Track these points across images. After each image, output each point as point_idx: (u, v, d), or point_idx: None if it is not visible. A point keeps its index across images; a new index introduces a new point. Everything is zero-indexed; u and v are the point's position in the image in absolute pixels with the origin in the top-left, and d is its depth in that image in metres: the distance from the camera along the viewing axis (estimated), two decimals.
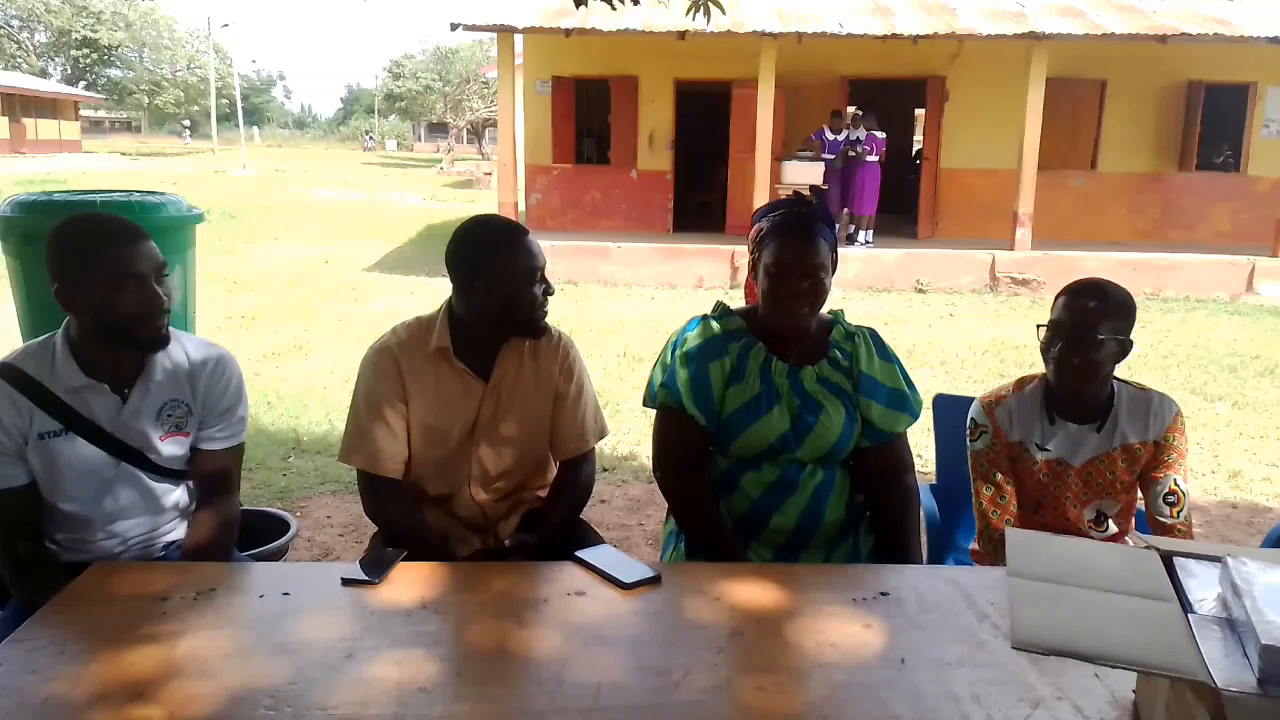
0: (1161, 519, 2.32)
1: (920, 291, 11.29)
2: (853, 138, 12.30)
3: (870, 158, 12.21)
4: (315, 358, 7.17)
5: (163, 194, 3.75)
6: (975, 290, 11.41)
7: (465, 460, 2.16)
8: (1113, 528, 2.40)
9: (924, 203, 13.42)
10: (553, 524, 2.16)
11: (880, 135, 12.27)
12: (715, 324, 2.18)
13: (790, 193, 2.28)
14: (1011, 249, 11.59)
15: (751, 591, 1.66)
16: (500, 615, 1.55)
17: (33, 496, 1.92)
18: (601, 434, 2.31)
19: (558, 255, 11.62)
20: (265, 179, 27.09)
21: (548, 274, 2.13)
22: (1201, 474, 5.10)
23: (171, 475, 2.05)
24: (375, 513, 2.15)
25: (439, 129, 57.01)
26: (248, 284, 10.49)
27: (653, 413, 2.23)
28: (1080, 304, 2.21)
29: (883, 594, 1.67)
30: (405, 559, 1.72)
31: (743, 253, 11.50)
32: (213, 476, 2.08)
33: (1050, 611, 1.16)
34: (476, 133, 50.34)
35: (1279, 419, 6.23)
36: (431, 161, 42.37)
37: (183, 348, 2.05)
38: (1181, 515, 2.31)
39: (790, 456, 2.12)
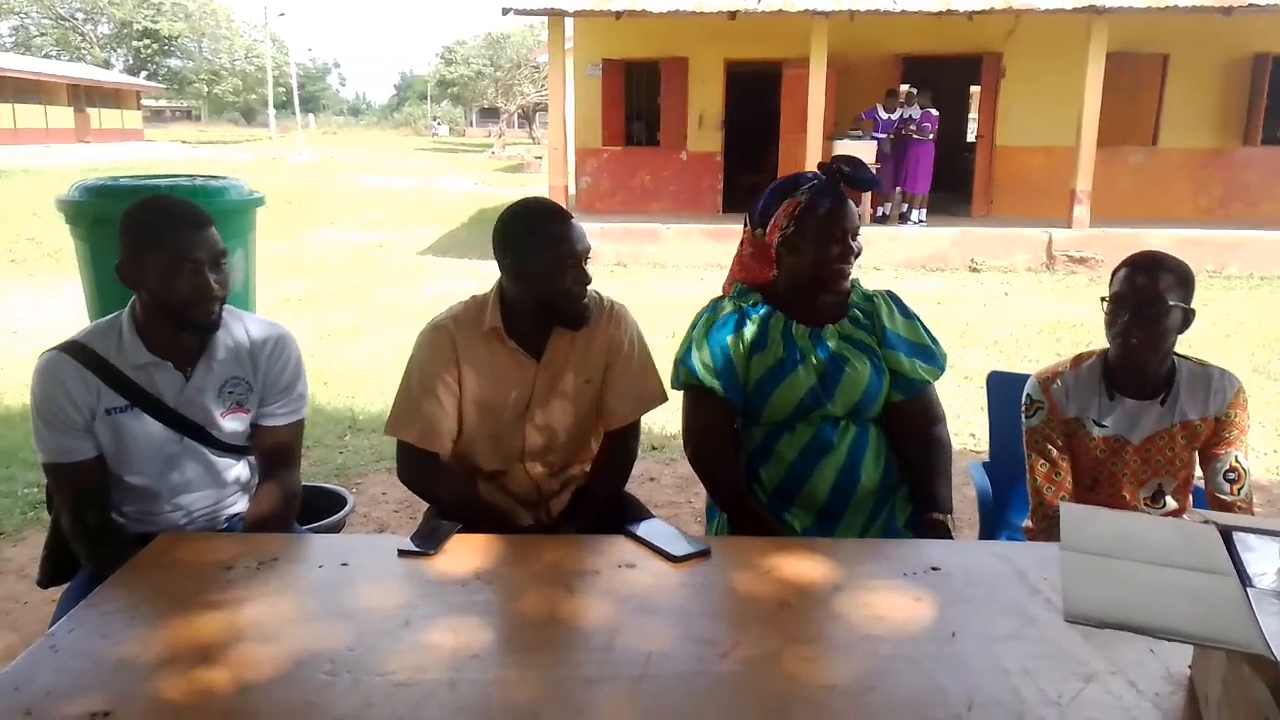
0: (1221, 496, 2.28)
1: (974, 270, 11.12)
2: (906, 116, 12.13)
3: (925, 136, 12.02)
4: (370, 339, 7.28)
5: (225, 178, 3.82)
6: (1031, 269, 11.21)
7: (518, 436, 2.19)
8: (1171, 504, 2.36)
9: (979, 181, 13.19)
10: (599, 500, 2.20)
11: (934, 113, 12.08)
12: (730, 301, 2.20)
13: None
14: (1069, 227, 11.36)
15: (800, 565, 1.66)
16: (552, 585, 1.58)
17: (100, 469, 1.99)
18: (656, 400, 2.28)
19: (607, 237, 11.65)
20: (321, 165, 27.47)
21: (591, 259, 2.13)
22: (1264, 453, 4.98)
23: (233, 450, 2.10)
24: (423, 488, 2.19)
25: (490, 114, 57.28)
26: (304, 268, 10.66)
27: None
28: (1141, 275, 2.19)
29: (933, 569, 1.67)
30: (460, 531, 1.75)
31: None
32: (274, 451, 2.13)
33: (1104, 585, 1.15)
34: (527, 117, 50.52)
35: None
36: (483, 146, 42.61)
37: (244, 327, 2.09)
38: (1242, 493, 2.27)
39: (823, 412, 2.13)
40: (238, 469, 2.15)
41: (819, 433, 2.14)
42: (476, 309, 2.19)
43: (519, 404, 2.17)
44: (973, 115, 16.83)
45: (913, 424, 2.22)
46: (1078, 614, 1.10)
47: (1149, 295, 2.16)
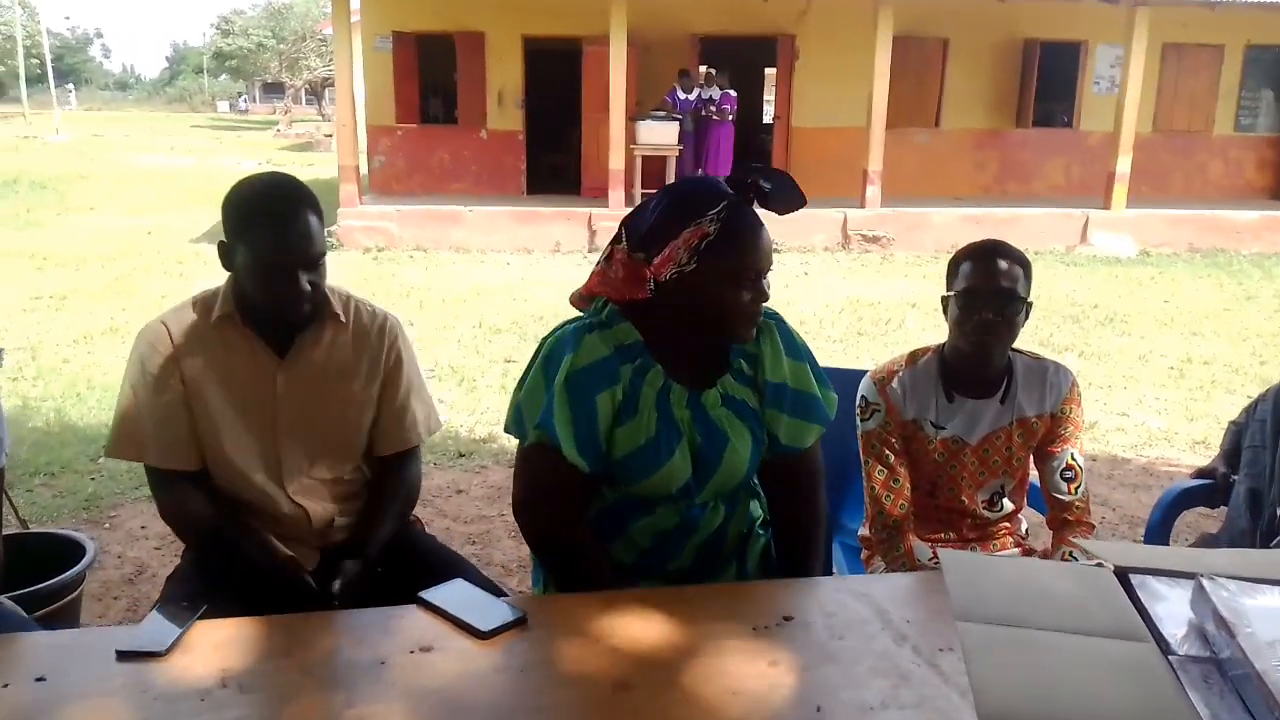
0: (1059, 495, 2.19)
1: (775, 251, 11.22)
2: (705, 97, 12.13)
3: (724, 117, 12.06)
4: (133, 341, 6.50)
5: None
6: (828, 249, 11.47)
7: (270, 450, 1.86)
8: (1007, 505, 2.26)
9: (776, 162, 13.38)
10: (377, 539, 1.88)
11: (733, 94, 12.14)
12: (599, 337, 1.67)
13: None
14: (862, 206, 11.70)
15: (638, 628, 1.39)
16: (326, 686, 1.24)
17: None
18: (431, 429, 2.03)
19: (405, 220, 11.07)
20: (82, 144, 25.01)
21: (322, 261, 1.81)
22: None
23: None
24: (174, 516, 1.84)
25: (275, 89, 54.01)
26: (60, 260, 9.53)
27: (505, 386, 1.92)
28: (991, 265, 2.05)
29: (786, 618, 1.44)
30: (202, 616, 1.37)
31: (602, 215, 11.23)
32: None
33: (1014, 669, 0.93)
34: (316, 93, 47.92)
35: (1123, 367, 6.42)
36: (268, 124, 40.08)
37: None
38: (1079, 491, 2.18)
39: (690, 501, 1.73)
40: None
41: (684, 517, 1.74)
42: (204, 299, 1.88)
43: (264, 407, 1.84)
44: (769, 97, 17.14)
45: (789, 484, 1.84)
46: (993, 717, 0.88)
47: (1005, 288, 2.03)
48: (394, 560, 1.92)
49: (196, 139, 29.92)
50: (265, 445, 1.86)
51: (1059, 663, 0.95)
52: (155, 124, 39.39)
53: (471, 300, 8.29)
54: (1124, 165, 11.76)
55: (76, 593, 2.48)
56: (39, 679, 1.24)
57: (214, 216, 13.17)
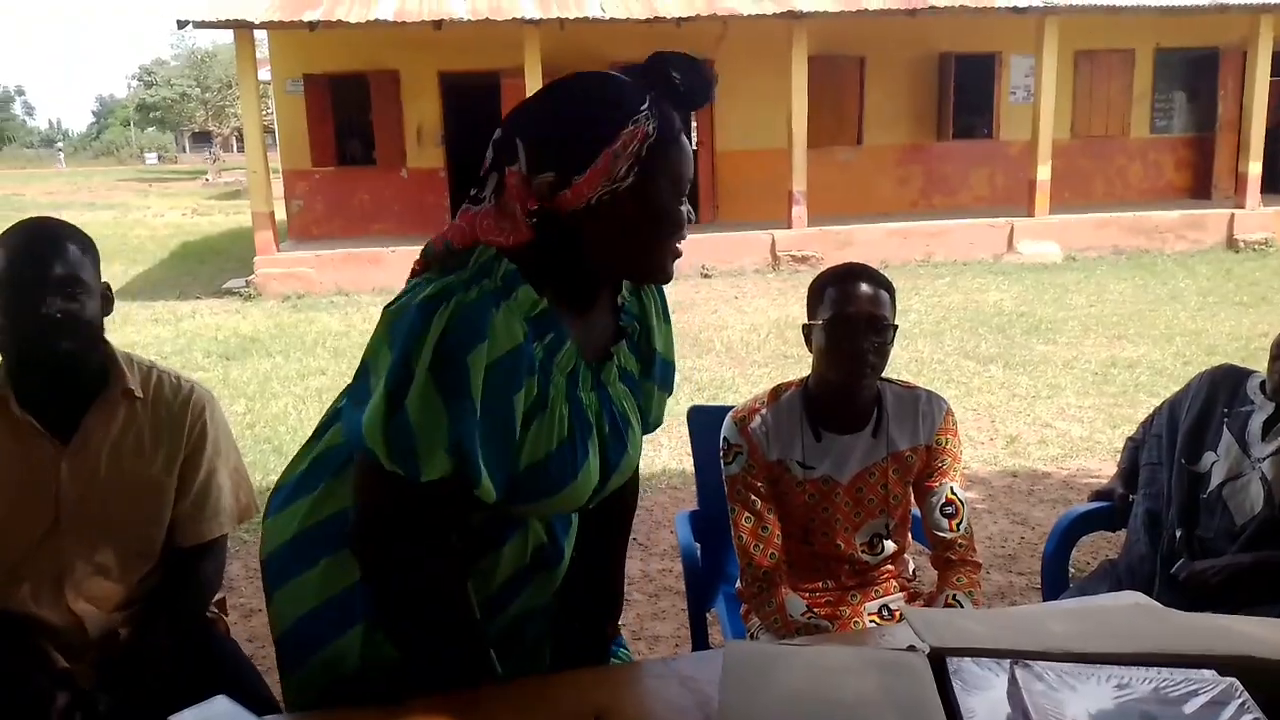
0: (940, 533, 2.03)
1: (706, 276, 11.16)
2: None
3: None
4: None
5: None
6: (759, 270, 11.40)
7: (49, 554, 1.62)
8: (889, 547, 2.09)
9: (703, 186, 13.34)
10: (155, 648, 1.64)
11: None
12: (510, 313, 1.21)
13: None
14: (789, 227, 11.66)
15: None
16: None
17: None
18: (244, 515, 1.80)
19: (324, 265, 10.81)
20: None
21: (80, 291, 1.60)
22: (980, 442, 5.06)
23: None
24: None
25: (203, 138, 53.30)
26: None
27: None
28: (857, 290, 1.90)
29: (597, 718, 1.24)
30: None
31: None
32: None
33: None
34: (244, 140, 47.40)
35: (1048, 377, 6.36)
36: (197, 173, 39.48)
37: None
38: (961, 527, 2.02)
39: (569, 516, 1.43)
40: None
41: (549, 540, 1.41)
42: None
43: (43, 502, 1.62)
44: (692, 122, 17.13)
45: (607, 502, 1.44)
46: None
47: (870, 312, 1.88)
48: (191, 669, 1.68)
49: (121, 193, 29.30)
50: (43, 546, 1.63)
51: None
52: (81, 180, 38.56)
53: None
54: (1044, 172, 11.87)
55: None
56: None
57: (131, 271, 12.80)
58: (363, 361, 1.23)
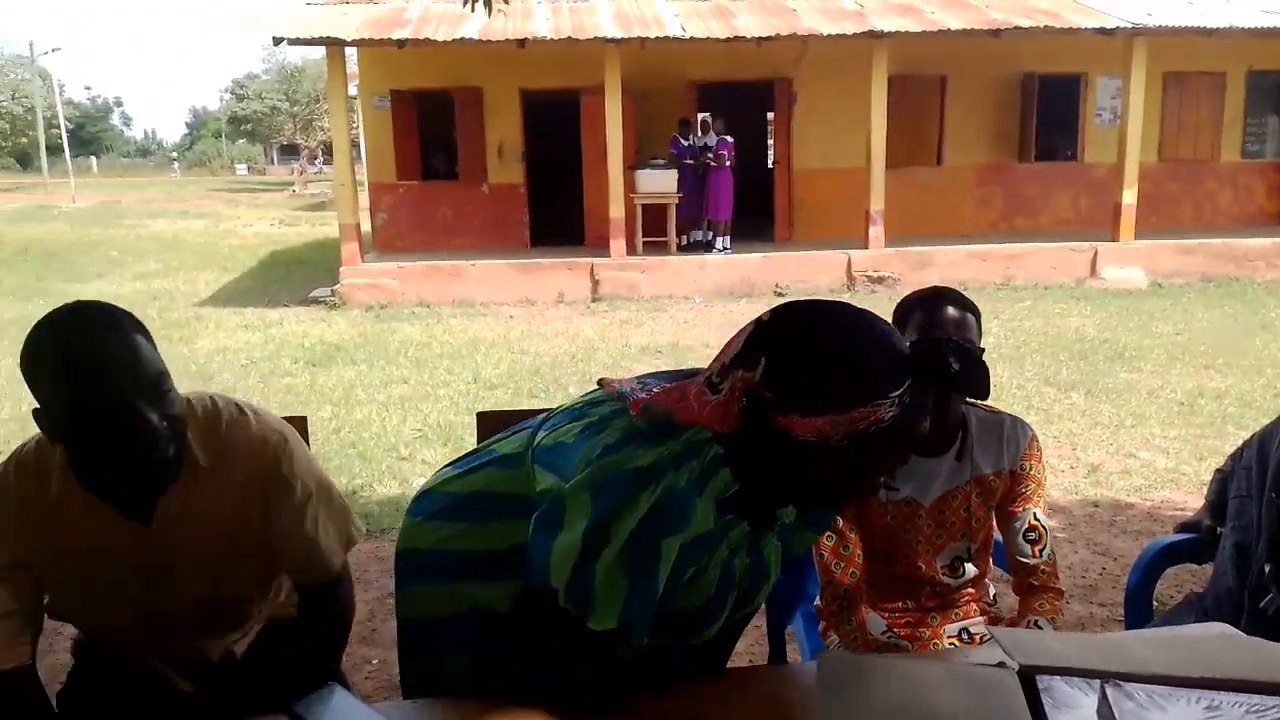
0: (1023, 559, 2.04)
1: (780, 294, 11.16)
2: (702, 144, 12.13)
3: (721, 163, 12.04)
4: None
5: None
6: (833, 290, 11.36)
7: (157, 627, 1.63)
8: (970, 570, 2.11)
9: (779, 205, 13.36)
10: (299, 673, 1.58)
11: (729, 140, 12.13)
12: (707, 499, 1.29)
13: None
14: (866, 247, 11.60)
15: None
16: None
17: None
18: (351, 543, 1.75)
19: (407, 277, 11.08)
20: (96, 212, 25.37)
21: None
22: (1060, 470, 4.99)
23: None
24: None
25: (291, 151, 54.92)
26: None
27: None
28: (944, 313, 1.92)
29: None
30: None
31: (604, 264, 11.19)
32: None
33: None
34: (331, 153, 48.73)
35: (1132, 405, 6.23)
36: (284, 185, 40.71)
37: None
38: (1044, 553, 2.03)
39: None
40: None
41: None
42: (39, 460, 1.53)
43: (133, 586, 1.58)
44: (770, 141, 17.16)
45: None
46: None
47: (966, 339, 1.89)
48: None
49: (212, 203, 30.33)
50: (146, 621, 1.62)
51: None
52: (173, 189, 40.01)
53: (468, 355, 8.22)
54: (1130, 196, 11.63)
55: None
56: None
57: (223, 278, 13.27)
58: (562, 493, 1.29)
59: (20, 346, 1.47)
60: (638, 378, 1.43)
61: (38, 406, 1.44)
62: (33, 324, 1.47)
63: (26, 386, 1.44)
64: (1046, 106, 13.24)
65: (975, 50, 12.40)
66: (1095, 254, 11.64)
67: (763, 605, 1.64)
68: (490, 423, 2.18)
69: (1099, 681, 0.95)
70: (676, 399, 1.32)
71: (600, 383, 1.42)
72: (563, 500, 1.28)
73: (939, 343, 1.29)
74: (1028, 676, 1.00)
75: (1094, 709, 0.94)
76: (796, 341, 1.25)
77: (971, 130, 13.35)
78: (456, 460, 1.59)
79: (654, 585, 1.25)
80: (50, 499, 1.51)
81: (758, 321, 1.29)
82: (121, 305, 1.57)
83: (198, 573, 1.61)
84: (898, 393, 1.19)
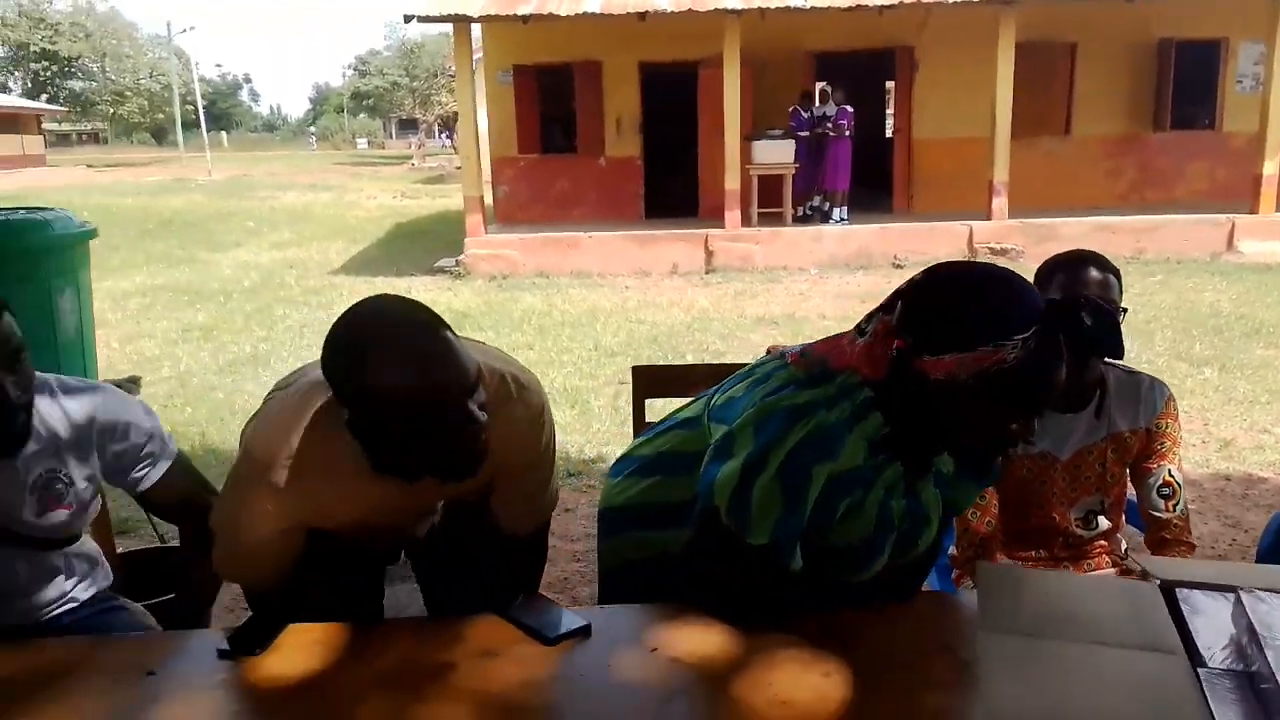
0: (1156, 514, 2.12)
1: (898, 266, 11.08)
2: (820, 114, 12.07)
3: (841, 133, 11.97)
4: (274, 368, 6.91)
5: (51, 210, 3.47)
6: None
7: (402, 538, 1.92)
8: (1103, 524, 2.19)
9: (898, 175, 13.21)
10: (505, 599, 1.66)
11: (849, 110, 12.04)
12: (858, 438, 1.43)
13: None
14: (988, 218, 11.39)
15: (694, 639, 1.44)
16: (397, 686, 1.33)
17: None
18: (554, 504, 1.90)
19: (527, 248, 11.39)
20: (230, 184, 26.66)
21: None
22: (1192, 444, 4.92)
23: (57, 543, 1.81)
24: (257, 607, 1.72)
25: (409, 125, 56.40)
26: (208, 294, 10.19)
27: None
28: (1087, 274, 1.98)
29: (842, 639, 1.45)
30: (292, 621, 1.49)
31: (719, 235, 11.30)
32: (167, 510, 1.95)
33: (1029, 680, 0.94)
34: (448, 127, 49.90)
35: (1268, 382, 6.06)
36: (403, 158, 41.90)
37: (61, 409, 1.74)
38: (1178, 508, 2.11)
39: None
40: (66, 559, 1.85)
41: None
42: (324, 423, 1.54)
43: (405, 523, 1.86)
44: (889, 110, 16.91)
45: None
46: None
47: (1104, 296, 1.96)
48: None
49: (336, 176, 31.48)
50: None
51: (1077, 674, 0.95)
52: (299, 162, 41.60)
53: (588, 324, 8.46)
54: (1271, 167, 11.10)
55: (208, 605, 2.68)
56: (150, 673, 1.39)
57: (352, 249, 13.85)
58: (732, 430, 1.47)
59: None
60: (800, 345, 1.60)
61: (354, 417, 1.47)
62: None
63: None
64: (1183, 73, 12.70)
65: (1107, 16, 11.97)
66: (1232, 227, 11.17)
67: (941, 549, 1.79)
68: (644, 376, 2.37)
69: (1235, 593, 1.07)
70: (830, 347, 1.49)
71: (769, 350, 1.60)
72: (731, 436, 1.46)
73: (1075, 298, 1.38)
74: (1168, 589, 1.12)
75: (1229, 614, 1.05)
76: (930, 287, 1.41)
77: (1102, 98, 12.91)
78: (646, 430, 1.82)
79: (803, 508, 1.41)
80: (339, 475, 1.56)
81: (913, 280, 1.45)
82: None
83: (449, 502, 1.83)
84: (1021, 336, 1.30)
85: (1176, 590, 1.11)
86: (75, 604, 1.87)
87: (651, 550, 1.67)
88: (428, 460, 1.48)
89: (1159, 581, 1.13)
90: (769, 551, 1.44)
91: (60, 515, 1.75)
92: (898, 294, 1.43)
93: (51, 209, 3.55)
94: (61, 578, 1.84)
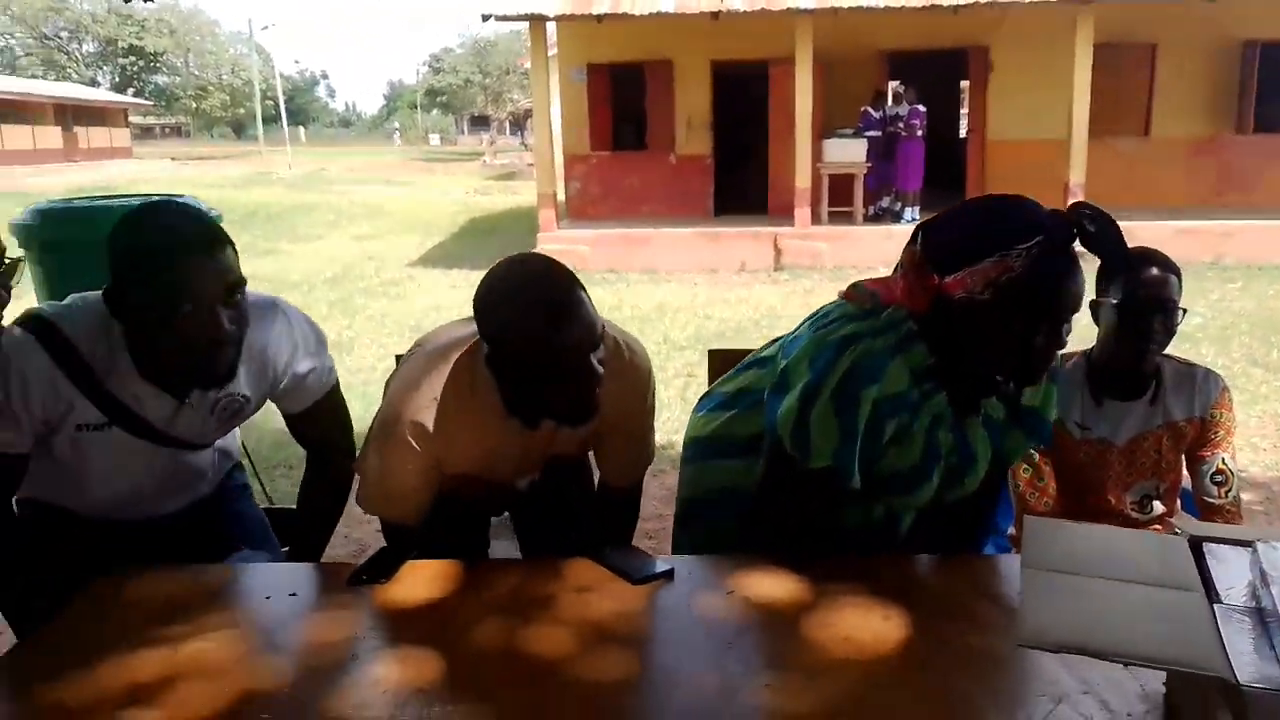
0: (1209, 499, 2.22)
1: None
2: (894, 114, 12.09)
3: (913, 133, 11.97)
4: (356, 355, 7.22)
5: (181, 196, 3.76)
6: None
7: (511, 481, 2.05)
8: (1158, 508, 2.30)
9: (971, 176, 13.15)
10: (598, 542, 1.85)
11: (921, 109, 12.04)
12: (902, 364, 1.56)
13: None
14: None
15: (766, 584, 1.60)
16: (504, 614, 1.52)
17: (25, 466, 1.77)
18: (649, 461, 2.05)
19: (599, 244, 11.61)
20: (309, 178, 27.42)
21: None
22: (1263, 448, 4.92)
23: (206, 446, 2.00)
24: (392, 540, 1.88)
25: (481, 122, 57.28)
26: (291, 284, 10.60)
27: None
28: (1148, 273, 2.09)
29: (901, 587, 1.61)
30: (414, 557, 1.69)
31: (788, 234, 11.40)
32: (310, 438, 2.02)
33: (1061, 605, 1.09)
34: (519, 124, 50.58)
35: None
36: (474, 155, 42.60)
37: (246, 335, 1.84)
38: (1231, 495, 2.21)
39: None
40: (208, 456, 2.04)
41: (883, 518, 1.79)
42: (463, 376, 1.74)
43: (519, 471, 1.97)
44: (963, 110, 16.79)
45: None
46: (1031, 638, 1.05)
47: (1167, 299, 2.08)
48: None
49: (410, 171, 32.15)
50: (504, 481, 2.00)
51: (1103, 602, 1.10)
52: (373, 158, 42.51)
53: (657, 319, 8.64)
54: None
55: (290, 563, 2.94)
56: (291, 594, 1.61)
57: (428, 242, 14.23)
58: (788, 365, 1.63)
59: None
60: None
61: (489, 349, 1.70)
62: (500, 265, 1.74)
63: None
64: (1267, 75, 12.44)
65: (1188, 17, 11.79)
66: None
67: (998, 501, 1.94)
68: (718, 359, 2.54)
69: (1253, 543, 1.20)
70: (880, 283, 1.65)
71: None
72: (788, 370, 1.64)
73: (1073, 208, 1.49)
74: (1195, 543, 1.26)
75: (1248, 561, 1.19)
76: (943, 214, 1.59)
77: (1183, 99, 12.71)
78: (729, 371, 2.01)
79: (855, 431, 1.55)
80: (473, 415, 1.75)
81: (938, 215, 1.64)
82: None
83: (550, 460, 1.97)
84: (1024, 245, 1.43)
85: (1204, 544, 1.25)
86: (209, 491, 2.08)
87: (725, 480, 1.84)
88: (550, 403, 1.67)
89: (1188, 537, 1.26)
90: (830, 474, 1.60)
91: (234, 428, 2.00)
92: (919, 225, 1.60)
93: (181, 195, 3.84)
94: (201, 480, 2.06)
